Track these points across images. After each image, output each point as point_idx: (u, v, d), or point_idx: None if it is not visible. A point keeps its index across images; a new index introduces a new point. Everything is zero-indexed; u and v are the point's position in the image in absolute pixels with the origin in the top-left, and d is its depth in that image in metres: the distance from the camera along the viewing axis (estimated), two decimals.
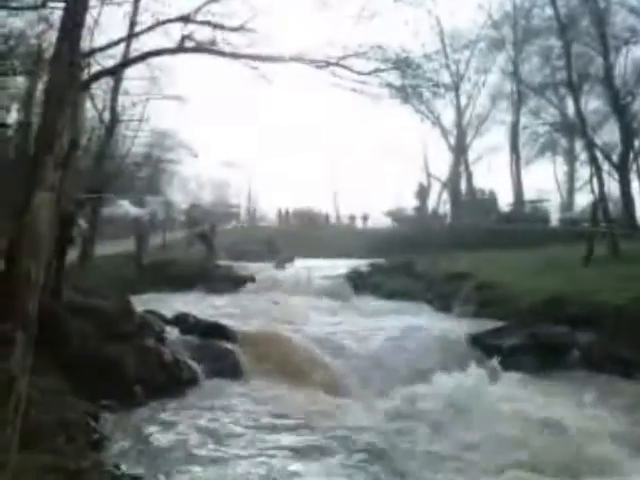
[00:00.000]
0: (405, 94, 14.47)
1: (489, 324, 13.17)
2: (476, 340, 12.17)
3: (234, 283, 20.35)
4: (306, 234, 35.33)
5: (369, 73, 12.68)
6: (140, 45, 15.71)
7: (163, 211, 34.39)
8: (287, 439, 6.79)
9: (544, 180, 41.70)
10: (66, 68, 4.18)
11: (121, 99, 22.44)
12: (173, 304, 14.13)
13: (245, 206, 47.21)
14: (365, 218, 41.26)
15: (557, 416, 7.55)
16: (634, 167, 28.50)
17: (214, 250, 24.10)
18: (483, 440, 6.79)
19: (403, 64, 13.21)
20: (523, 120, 35.99)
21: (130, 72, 21.21)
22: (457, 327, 13.20)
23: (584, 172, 35.45)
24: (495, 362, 11.12)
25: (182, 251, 24.10)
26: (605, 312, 12.37)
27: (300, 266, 23.92)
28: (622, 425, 7.58)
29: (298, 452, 6.34)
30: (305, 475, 5.66)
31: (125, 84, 22.41)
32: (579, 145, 33.89)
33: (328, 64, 12.53)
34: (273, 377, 9.52)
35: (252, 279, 20.88)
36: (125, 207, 31.55)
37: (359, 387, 9.29)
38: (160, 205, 35.72)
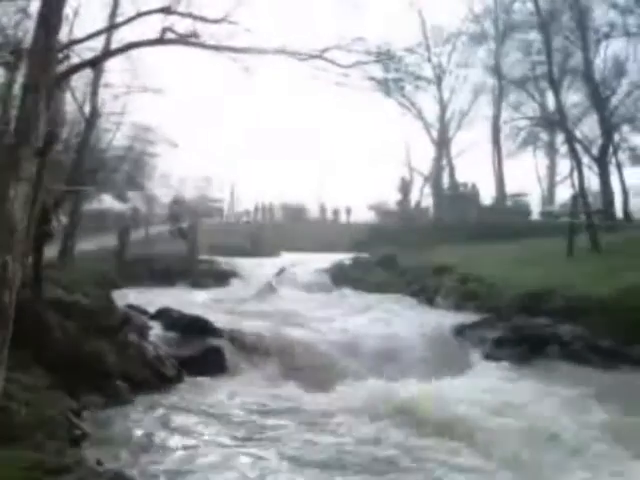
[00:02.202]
0: (387, 87, 14.45)
1: (472, 317, 13.27)
2: (459, 332, 12.26)
3: (217, 278, 20.28)
4: (290, 228, 35.32)
5: (351, 66, 12.60)
6: (121, 37, 15.53)
7: (145, 206, 34.11)
8: (271, 435, 6.78)
9: (525, 174, 41.92)
10: (44, 57, 4.11)
11: (102, 92, 22.16)
12: (156, 299, 14.01)
13: (228, 201, 46.97)
14: (349, 212, 41.28)
15: (531, 404, 7.69)
16: (613, 160, 28.70)
17: (196, 245, 23.98)
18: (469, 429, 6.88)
19: (385, 57, 13.17)
20: (504, 114, 36.18)
21: (111, 65, 20.96)
22: (440, 320, 13.26)
23: (565, 166, 35.68)
24: (478, 353, 11.29)
25: (164, 246, 23.91)
26: (587, 304, 12.50)
27: (285, 260, 23.91)
28: (593, 413, 7.72)
29: (281, 449, 6.33)
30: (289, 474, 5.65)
31: (106, 77, 22.14)
32: (560, 139, 34.08)
33: (310, 57, 12.44)
34: (261, 372, 9.49)
35: (235, 274, 20.83)
36: (107, 202, 31.28)
37: (346, 381, 9.23)
38: (142, 200, 35.44)
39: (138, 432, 6.53)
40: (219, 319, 11.28)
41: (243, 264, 21.96)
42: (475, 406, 7.67)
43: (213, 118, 74.03)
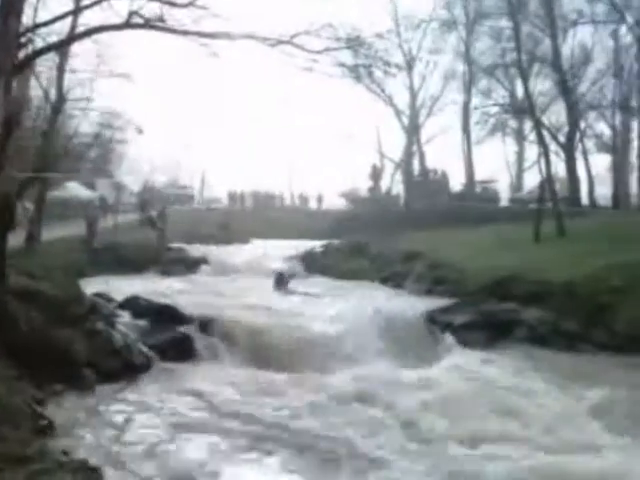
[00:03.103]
0: (357, 73, 14.43)
1: (441, 302, 13.42)
2: (429, 317, 12.38)
3: (187, 266, 20.14)
4: (261, 216, 35.23)
5: (320, 52, 12.56)
6: (86, 21, 15.20)
7: (114, 193, 33.65)
8: (238, 420, 6.80)
9: (495, 160, 42.38)
10: (4, 41, 4.02)
11: (68, 77, 21.73)
12: (124, 287, 13.87)
13: (198, 188, 46.62)
14: (320, 199, 41.30)
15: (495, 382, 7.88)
16: (580, 147, 29.20)
17: (166, 233, 23.77)
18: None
19: (355, 43, 13.15)
20: (474, 101, 36.47)
21: (78, 50, 20.55)
22: (410, 305, 13.38)
23: (533, 152, 36.18)
24: (447, 337, 11.44)
25: (134, 234, 23.63)
26: (552, 289, 12.73)
27: (255, 248, 23.86)
28: (551, 392, 8.00)
29: (248, 434, 6.36)
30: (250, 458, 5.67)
31: (72, 62, 21.70)
32: (528, 126, 34.51)
33: (279, 42, 12.36)
34: (232, 358, 9.48)
35: (206, 261, 20.71)
36: (74, 189, 30.78)
37: (315, 366, 9.28)
38: (111, 187, 34.94)
39: (104, 421, 6.49)
40: (188, 306, 11.20)
41: (213, 251, 21.85)
42: (442, 386, 7.83)
43: (183, 105, 73.18)
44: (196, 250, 21.84)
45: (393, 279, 17.78)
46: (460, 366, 9.05)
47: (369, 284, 17.68)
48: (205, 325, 10.51)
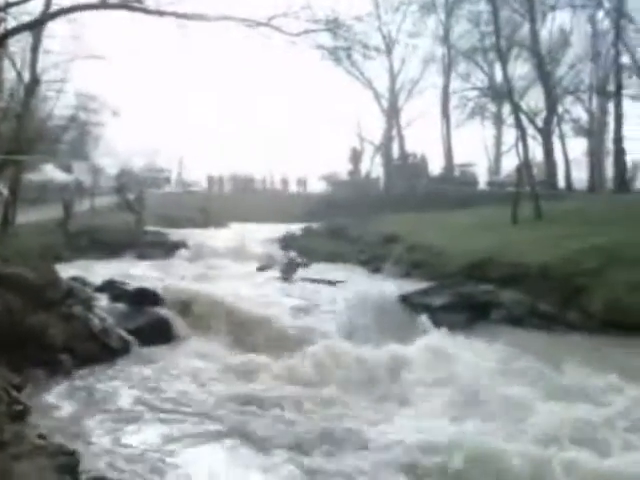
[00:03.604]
0: (337, 56, 14.39)
1: (419, 284, 13.52)
2: (406, 299, 12.48)
3: (166, 249, 20.02)
4: (240, 199, 35.06)
5: (299, 34, 12.50)
6: (61, 0, 14.92)
7: (90, 177, 33.23)
8: (216, 402, 6.82)
9: (473, 144, 42.64)
10: None
11: (43, 58, 21.36)
12: (102, 271, 13.76)
13: (176, 171, 46.15)
14: (300, 183, 41.21)
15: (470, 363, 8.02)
16: (557, 131, 29.47)
17: (143, 217, 23.58)
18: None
19: (333, 25, 13.09)
20: (453, 84, 36.57)
21: (53, 30, 20.22)
22: (388, 287, 13.47)
23: (511, 136, 36.44)
24: (425, 319, 11.53)
25: (111, 218, 23.41)
26: (528, 271, 12.91)
27: (234, 231, 23.77)
28: (526, 369, 8.18)
29: (225, 416, 6.38)
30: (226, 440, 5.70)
31: (47, 43, 21.34)
32: (506, 109, 34.69)
33: (257, 24, 12.26)
34: (209, 341, 9.48)
35: (184, 245, 20.60)
36: (50, 172, 30.34)
37: (298, 347, 9.30)
38: (87, 170, 34.50)
39: (81, 405, 6.47)
40: (167, 289, 11.15)
41: (191, 235, 21.72)
42: (421, 365, 7.94)
43: (162, 88, 72.18)
44: (174, 234, 21.69)
45: (372, 262, 17.86)
46: (434, 347, 9.14)
47: (349, 267, 17.73)
48: (184, 308, 10.50)
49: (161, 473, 4.97)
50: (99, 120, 35.68)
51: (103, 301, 10.44)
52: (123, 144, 46.81)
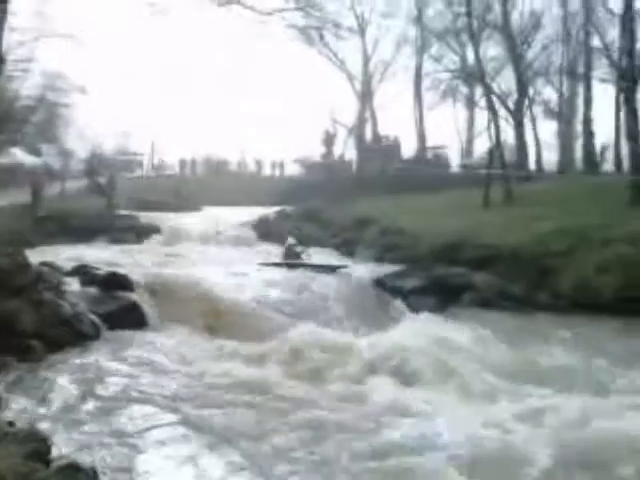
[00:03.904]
0: (309, 36, 14.28)
1: (392, 268, 13.62)
2: (380, 282, 12.57)
3: (138, 233, 19.83)
4: (214, 182, 34.79)
5: (270, 13, 12.37)
6: None
7: (60, 160, 32.66)
8: (186, 386, 6.84)
9: (446, 127, 42.81)
10: None
11: (7, 36, 20.78)
12: (73, 256, 13.58)
13: (149, 154, 45.51)
14: (274, 166, 40.99)
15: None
16: (528, 114, 29.71)
17: (115, 200, 23.30)
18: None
19: (305, 4, 12.98)
20: (426, 66, 36.56)
21: (18, 6, 19.66)
22: (361, 270, 13.56)
23: (483, 118, 36.67)
24: (398, 302, 11.66)
25: (82, 202, 23.08)
26: (500, 253, 13.10)
27: (208, 215, 23.62)
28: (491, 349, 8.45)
29: (194, 400, 6.40)
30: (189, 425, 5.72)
31: (12, 20, 20.74)
32: (479, 92, 34.85)
33: (228, 1, 12.11)
34: (183, 326, 9.44)
35: (157, 229, 20.43)
36: (17, 155, 29.75)
37: (273, 333, 9.31)
38: (57, 153, 33.90)
39: (51, 390, 6.41)
40: (139, 274, 11.06)
41: (164, 219, 21.53)
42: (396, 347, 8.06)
43: (133, 70, 70.94)
44: (147, 218, 21.47)
45: (346, 245, 17.92)
46: (407, 330, 9.25)
47: (322, 250, 17.75)
48: (157, 293, 10.43)
49: (131, 459, 4.97)
50: (68, 101, 34.91)
51: (74, 286, 10.31)
52: (94, 127, 46.06)
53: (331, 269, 13.53)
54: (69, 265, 11.54)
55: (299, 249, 15.01)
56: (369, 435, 5.58)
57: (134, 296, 10.13)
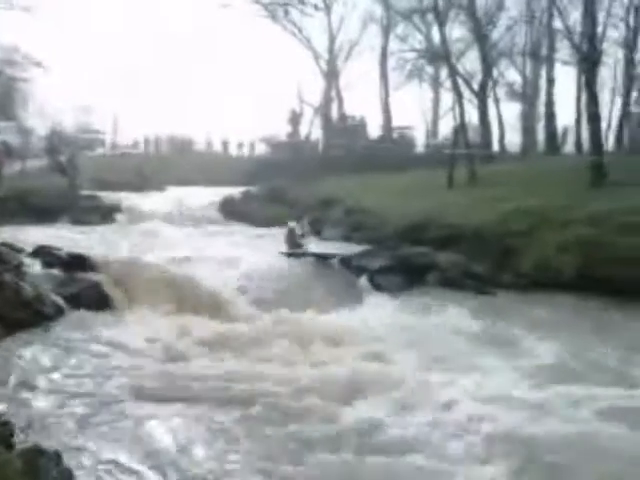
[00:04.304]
0: (273, 12, 14.10)
1: (358, 247, 13.71)
2: (345, 262, 12.65)
3: (101, 214, 19.52)
4: (178, 162, 34.32)
5: None
6: None
7: (19, 138, 31.76)
8: (141, 366, 6.82)
9: (412, 107, 42.96)
10: None
11: None
12: (34, 237, 13.29)
13: (111, 132, 44.59)
14: (240, 145, 40.61)
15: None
16: (492, 95, 29.96)
17: (77, 180, 22.80)
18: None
19: None
20: (392, 46, 36.49)
21: None
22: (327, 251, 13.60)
23: (448, 99, 36.88)
24: (363, 281, 11.77)
25: (43, 181, 22.53)
26: (463, 233, 13.29)
27: (172, 195, 23.34)
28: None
29: (150, 379, 6.40)
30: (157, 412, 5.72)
31: None
32: (444, 73, 34.96)
33: None
34: (147, 307, 9.36)
35: (120, 209, 20.13)
36: None
37: (236, 315, 9.32)
38: (16, 131, 32.94)
39: (12, 373, 6.31)
40: (103, 255, 10.92)
41: (127, 199, 21.20)
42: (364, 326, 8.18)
43: (95, 45, 69.14)
44: (110, 198, 21.11)
45: (312, 225, 17.86)
46: (371, 309, 9.39)
47: None
48: (120, 273, 10.31)
49: (91, 439, 4.94)
50: (26, 76, 33.92)
51: (36, 267, 10.14)
52: (54, 104, 44.96)
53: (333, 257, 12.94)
54: (30, 246, 11.30)
55: (299, 232, 13.88)
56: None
57: (97, 277, 10.00)
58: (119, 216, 19.57)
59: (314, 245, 14.00)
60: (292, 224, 14.04)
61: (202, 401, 5.87)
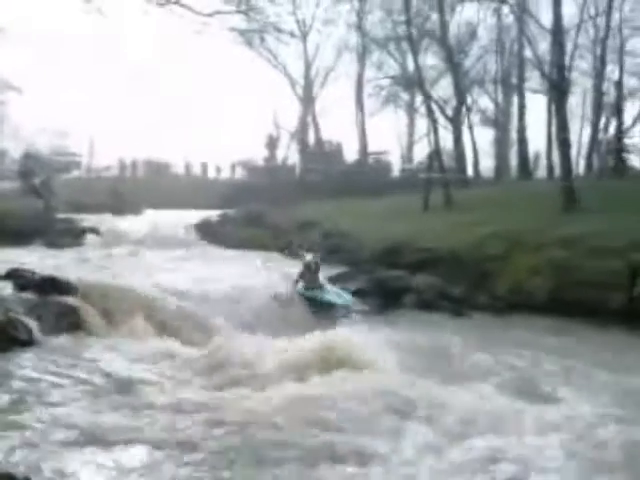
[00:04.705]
0: (249, 39, 14.28)
1: (335, 270, 13.76)
2: None
3: (76, 237, 19.33)
4: (155, 185, 34.26)
5: (211, 14, 12.30)
6: None
7: None
8: (113, 386, 6.74)
9: (387, 133, 43.45)
10: None
11: None
12: (7, 260, 13.10)
13: (87, 155, 44.29)
14: (218, 169, 40.66)
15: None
16: (466, 121, 30.55)
17: (52, 202, 22.61)
18: None
19: (246, 7, 12.98)
20: (367, 73, 37.06)
21: None
22: None
23: (423, 125, 37.46)
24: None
25: (17, 203, 22.28)
26: (439, 256, 13.47)
27: (149, 218, 23.25)
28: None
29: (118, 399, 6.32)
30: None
31: None
32: (419, 99, 35.54)
33: (167, 1, 11.99)
34: (122, 330, 9.26)
35: (96, 232, 19.97)
36: None
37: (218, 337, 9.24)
38: None
39: None
40: (77, 278, 10.79)
41: (103, 222, 21.06)
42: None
43: (71, 68, 68.79)
44: (86, 221, 20.95)
45: (289, 248, 18.00)
46: (348, 332, 9.39)
47: (266, 253, 17.80)
48: (95, 296, 10.19)
49: (59, 464, 4.82)
50: (0, 98, 33.70)
51: (7, 290, 9.98)
52: (29, 126, 44.55)
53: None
54: (2, 268, 11.13)
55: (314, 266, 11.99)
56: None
57: (72, 300, 9.87)
58: (94, 239, 19.40)
59: (330, 287, 12.07)
60: (309, 257, 12.13)
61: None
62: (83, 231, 19.87)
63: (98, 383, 6.90)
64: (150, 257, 16.12)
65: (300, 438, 5.40)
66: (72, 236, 19.18)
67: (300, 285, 11.87)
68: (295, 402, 6.16)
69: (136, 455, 5.10)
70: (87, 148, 43.67)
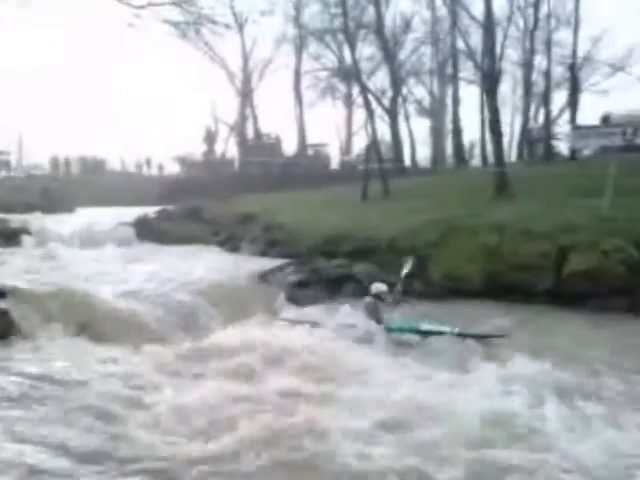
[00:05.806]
0: (183, 31, 14.06)
1: (275, 262, 13.77)
2: (263, 277, 12.69)
3: (6, 237, 18.61)
4: (89, 182, 33.43)
5: (143, 6, 12.04)
6: None
7: None
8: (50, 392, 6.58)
9: (326, 124, 43.70)
10: None
11: None
12: None
13: (16, 153, 42.74)
14: (154, 165, 39.98)
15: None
16: (402, 112, 31.06)
17: None
18: None
19: None
20: (305, 65, 37.15)
21: None
22: (244, 266, 13.59)
23: (361, 116, 37.83)
24: (279, 296, 11.83)
25: None
26: (376, 244, 13.65)
27: (82, 216, 22.63)
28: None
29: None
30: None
31: None
32: (356, 90, 35.86)
33: None
34: (56, 333, 8.99)
35: (27, 232, 19.29)
36: None
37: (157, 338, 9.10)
38: None
39: None
40: (8, 280, 10.41)
41: (34, 221, 20.36)
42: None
43: None
44: (15, 221, 20.19)
45: (229, 242, 17.92)
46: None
47: (206, 248, 17.63)
48: (28, 299, 9.87)
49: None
50: None
51: None
52: None
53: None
54: None
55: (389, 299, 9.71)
56: None
57: (3, 303, 9.51)
58: (26, 239, 18.72)
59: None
60: (378, 286, 9.79)
61: None
62: (14, 231, 19.15)
63: (25, 384, 6.73)
64: (78, 256, 15.63)
65: None
66: (1, 237, 18.47)
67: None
68: None
69: None
70: (16, 146, 42.16)
